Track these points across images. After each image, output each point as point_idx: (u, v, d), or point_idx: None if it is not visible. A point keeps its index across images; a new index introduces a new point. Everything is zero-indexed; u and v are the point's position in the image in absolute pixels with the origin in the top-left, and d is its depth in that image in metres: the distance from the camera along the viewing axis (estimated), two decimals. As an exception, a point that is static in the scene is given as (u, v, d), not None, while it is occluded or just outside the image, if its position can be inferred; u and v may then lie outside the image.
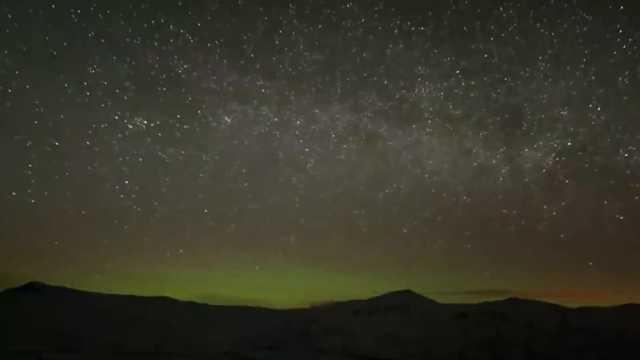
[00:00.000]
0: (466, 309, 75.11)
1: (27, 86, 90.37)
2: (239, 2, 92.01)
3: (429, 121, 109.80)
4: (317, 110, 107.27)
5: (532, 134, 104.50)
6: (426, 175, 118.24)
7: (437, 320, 73.02)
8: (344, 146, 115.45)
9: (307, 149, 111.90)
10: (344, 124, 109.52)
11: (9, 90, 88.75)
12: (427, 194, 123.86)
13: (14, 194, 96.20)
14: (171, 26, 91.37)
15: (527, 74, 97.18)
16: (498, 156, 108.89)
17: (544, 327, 65.00)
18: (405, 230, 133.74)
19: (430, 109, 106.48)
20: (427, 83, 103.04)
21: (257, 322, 78.77)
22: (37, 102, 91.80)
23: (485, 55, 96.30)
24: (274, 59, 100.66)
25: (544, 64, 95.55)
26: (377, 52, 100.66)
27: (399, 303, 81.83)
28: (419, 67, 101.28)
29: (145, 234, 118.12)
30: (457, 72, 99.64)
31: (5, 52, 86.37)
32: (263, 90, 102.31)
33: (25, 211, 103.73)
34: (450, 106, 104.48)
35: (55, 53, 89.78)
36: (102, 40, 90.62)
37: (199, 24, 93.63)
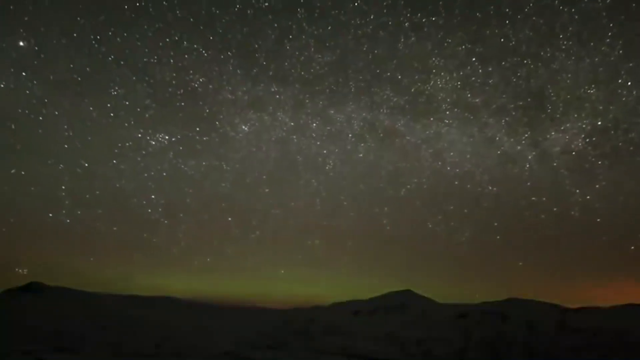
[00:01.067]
0: (466, 309, 75.05)
1: (56, 112, 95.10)
2: (249, 12, 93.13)
3: (447, 112, 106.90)
4: (332, 111, 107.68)
5: (557, 116, 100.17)
6: (448, 168, 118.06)
7: (436, 320, 72.96)
8: (362, 145, 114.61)
9: (324, 151, 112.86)
10: (360, 123, 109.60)
11: (40, 118, 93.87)
12: (450, 186, 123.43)
13: (50, 215, 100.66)
14: (185, 42, 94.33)
15: (548, 55, 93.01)
16: (523, 142, 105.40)
17: (544, 327, 65.00)
18: (430, 225, 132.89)
19: (448, 99, 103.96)
20: (442, 74, 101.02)
21: (257, 322, 78.84)
22: (65, 126, 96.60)
23: (502, 40, 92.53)
24: (286, 64, 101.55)
25: (565, 43, 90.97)
26: (388, 48, 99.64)
27: (398, 303, 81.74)
28: (433, 59, 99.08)
29: (173, 245, 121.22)
30: (473, 59, 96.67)
31: (35, 82, 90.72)
32: (277, 96, 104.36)
33: (62, 230, 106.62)
34: (469, 95, 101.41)
35: (79, 79, 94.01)
36: (122, 63, 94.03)
37: (211, 37, 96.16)
